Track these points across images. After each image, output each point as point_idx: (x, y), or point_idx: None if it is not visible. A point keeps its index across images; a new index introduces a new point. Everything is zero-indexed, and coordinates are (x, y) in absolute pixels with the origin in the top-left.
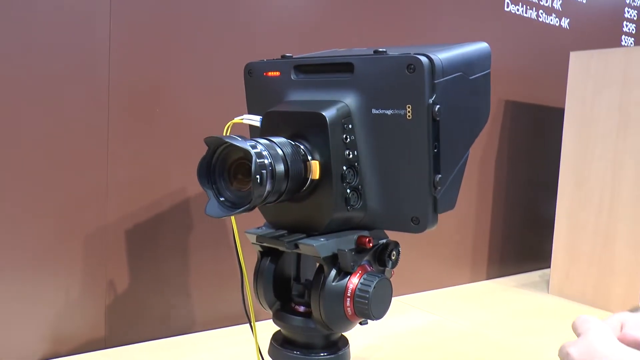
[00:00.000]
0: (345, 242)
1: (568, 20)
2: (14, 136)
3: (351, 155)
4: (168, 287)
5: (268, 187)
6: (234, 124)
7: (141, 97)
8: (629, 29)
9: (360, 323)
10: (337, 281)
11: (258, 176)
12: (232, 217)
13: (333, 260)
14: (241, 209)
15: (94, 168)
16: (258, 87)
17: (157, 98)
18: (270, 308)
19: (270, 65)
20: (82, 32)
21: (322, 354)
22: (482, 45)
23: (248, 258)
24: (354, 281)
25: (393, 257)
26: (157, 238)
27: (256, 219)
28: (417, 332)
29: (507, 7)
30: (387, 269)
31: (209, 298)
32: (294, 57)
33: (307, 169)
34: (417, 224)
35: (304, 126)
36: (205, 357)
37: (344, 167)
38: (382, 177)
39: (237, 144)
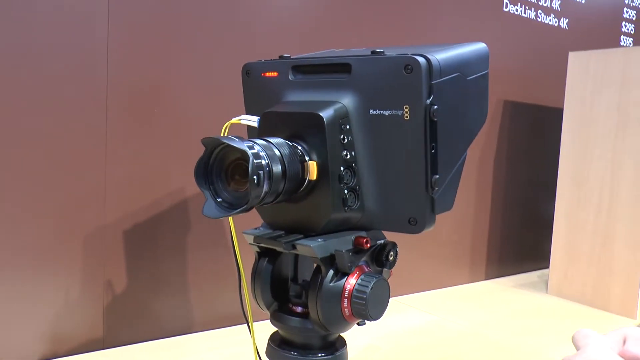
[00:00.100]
0: (342, 243)
1: (567, 20)
2: (14, 136)
3: (348, 156)
4: (167, 287)
5: (265, 187)
6: (232, 124)
7: (140, 97)
8: (627, 29)
9: (358, 324)
10: (335, 282)
11: (255, 177)
12: (230, 218)
13: (330, 261)
14: (238, 210)
15: (93, 168)
16: (256, 88)
17: (156, 98)
18: (268, 309)
19: (268, 66)
20: (81, 32)
21: (319, 355)
22: (480, 46)
23: (246, 258)
24: (351, 282)
25: (391, 258)
26: (155, 238)
27: (254, 219)
28: (415, 332)
29: (506, 7)
30: (384, 269)
31: (208, 298)
32: (291, 57)
33: (304, 169)
34: (414, 225)
35: (301, 127)
36: (203, 357)
37: (342, 168)
38: (379, 178)
39: (234, 145)
